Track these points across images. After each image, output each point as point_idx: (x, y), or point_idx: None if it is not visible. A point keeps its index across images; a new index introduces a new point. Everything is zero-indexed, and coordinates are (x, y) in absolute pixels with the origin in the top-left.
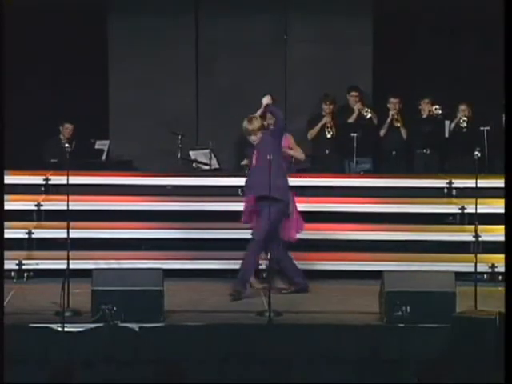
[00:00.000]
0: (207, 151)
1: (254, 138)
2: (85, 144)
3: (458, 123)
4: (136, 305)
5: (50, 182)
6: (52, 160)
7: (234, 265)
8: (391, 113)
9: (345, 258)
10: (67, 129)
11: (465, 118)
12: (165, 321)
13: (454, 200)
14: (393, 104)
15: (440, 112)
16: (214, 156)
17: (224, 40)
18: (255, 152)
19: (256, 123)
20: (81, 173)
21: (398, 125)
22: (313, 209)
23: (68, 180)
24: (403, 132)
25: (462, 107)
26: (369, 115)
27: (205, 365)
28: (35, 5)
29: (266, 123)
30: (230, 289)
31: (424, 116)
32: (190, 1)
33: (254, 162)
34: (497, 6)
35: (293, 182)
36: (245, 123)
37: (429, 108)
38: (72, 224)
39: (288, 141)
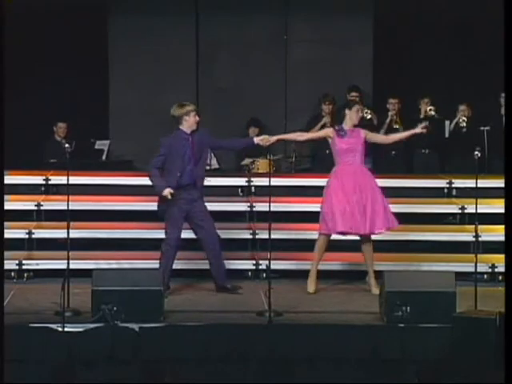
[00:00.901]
0: None
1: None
2: (85, 144)
3: (457, 123)
4: (136, 305)
5: (50, 182)
6: (52, 160)
7: (234, 265)
8: (390, 113)
9: (345, 258)
10: (61, 128)
11: (464, 118)
12: (165, 321)
13: (454, 200)
14: (392, 104)
15: (434, 113)
16: (214, 156)
17: (224, 40)
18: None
19: (188, 107)
20: (81, 173)
21: (397, 127)
22: (313, 209)
23: (68, 180)
24: (401, 128)
25: (462, 107)
26: (369, 116)
27: (205, 365)
28: (35, 5)
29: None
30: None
31: (422, 116)
32: (190, 1)
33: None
34: (497, 6)
35: (293, 182)
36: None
37: (424, 108)
38: (72, 224)
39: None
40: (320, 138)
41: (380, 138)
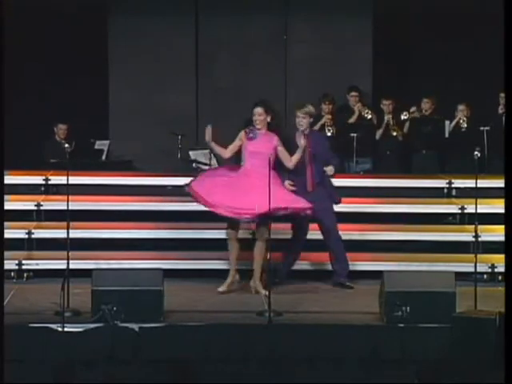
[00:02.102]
0: (207, 151)
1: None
2: (85, 144)
3: (457, 123)
4: (136, 305)
5: (49, 182)
6: (52, 160)
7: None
8: (386, 117)
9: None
10: (61, 129)
11: (464, 119)
12: (165, 321)
13: (454, 200)
14: (386, 106)
15: (407, 117)
16: (214, 156)
17: (224, 40)
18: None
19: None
20: (81, 173)
21: (395, 134)
22: None
23: (68, 180)
24: (399, 134)
25: (461, 107)
26: (369, 116)
27: (205, 365)
28: (35, 5)
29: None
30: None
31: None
32: (190, 1)
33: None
34: (497, 6)
35: None
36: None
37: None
38: (72, 224)
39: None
40: (238, 145)
41: (287, 158)
